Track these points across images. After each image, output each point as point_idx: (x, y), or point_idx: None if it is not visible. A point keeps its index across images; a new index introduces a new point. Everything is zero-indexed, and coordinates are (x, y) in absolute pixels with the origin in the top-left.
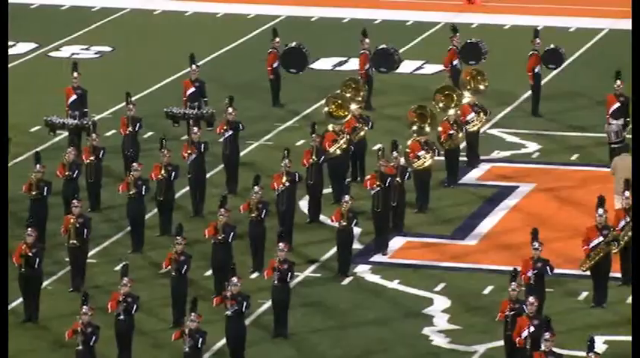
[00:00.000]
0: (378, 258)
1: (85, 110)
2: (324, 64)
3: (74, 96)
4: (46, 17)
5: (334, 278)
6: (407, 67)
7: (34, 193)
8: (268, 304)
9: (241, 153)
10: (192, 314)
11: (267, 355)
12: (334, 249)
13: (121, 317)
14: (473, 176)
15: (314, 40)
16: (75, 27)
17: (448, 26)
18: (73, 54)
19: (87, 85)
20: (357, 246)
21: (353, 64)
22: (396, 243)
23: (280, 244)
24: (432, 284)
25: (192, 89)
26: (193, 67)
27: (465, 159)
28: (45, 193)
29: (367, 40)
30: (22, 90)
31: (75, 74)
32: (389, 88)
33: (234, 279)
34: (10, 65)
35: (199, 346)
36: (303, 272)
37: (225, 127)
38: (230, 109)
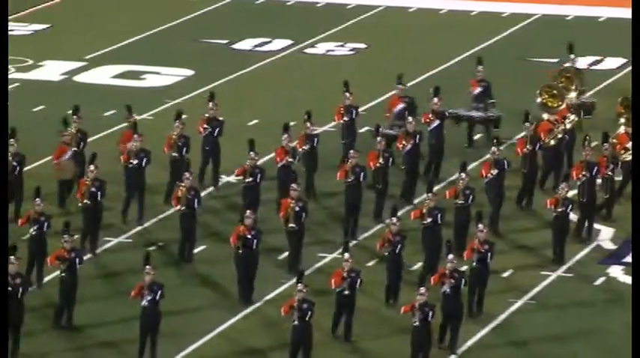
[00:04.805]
0: (631, 258)
1: (492, 101)
2: (578, 63)
3: (479, 89)
4: (301, 14)
5: (586, 278)
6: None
7: (248, 180)
8: None
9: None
10: (422, 288)
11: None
12: (583, 253)
13: (346, 292)
14: None
15: (569, 39)
16: (330, 24)
17: None
18: (327, 50)
19: (340, 80)
20: (610, 246)
21: (609, 63)
22: None
23: (479, 225)
24: None
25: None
26: (479, 67)
27: None
28: (258, 180)
29: None
30: (277, 86)
31: (480, 68)
32: None
33: (451, 256)
34: (265, 61)
35: (429, 320)
36: (554, 271)
37: (430, 117)
38: (435, 99)
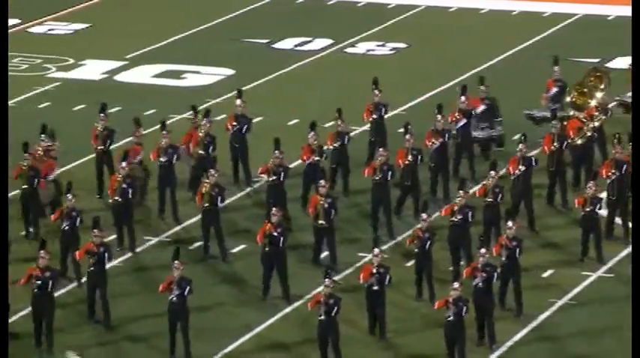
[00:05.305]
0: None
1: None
2: (619, 62)
3: (555, 89)
4: (342, 13)
5: (627, 278)
6: None
7: (272, 178)
8: None
9: None
10: (455, 283)
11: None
12: (623, 253)
13: (375, 287)
14: None
15: (609, 39)
16: (371, 23)
17: None
18: (368, 50)
19: (381, 80)
20: None
21: None
22: None
23: (509, 223)
24: None
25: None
26: (556, 68)
27: None
28: (282, 178)
29: None
30: (317, 86)
31: (556, 68)
32: None
33: (483, 250)
34: (306, 61)
35: (463, 314)
36: (595, 272)
37: (457, 115)
38: (462, 98)
